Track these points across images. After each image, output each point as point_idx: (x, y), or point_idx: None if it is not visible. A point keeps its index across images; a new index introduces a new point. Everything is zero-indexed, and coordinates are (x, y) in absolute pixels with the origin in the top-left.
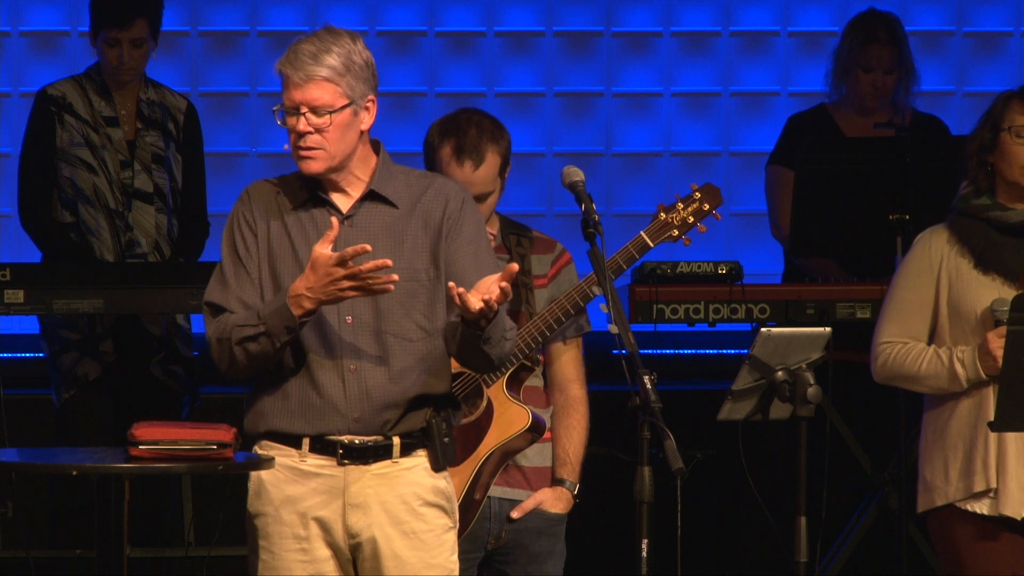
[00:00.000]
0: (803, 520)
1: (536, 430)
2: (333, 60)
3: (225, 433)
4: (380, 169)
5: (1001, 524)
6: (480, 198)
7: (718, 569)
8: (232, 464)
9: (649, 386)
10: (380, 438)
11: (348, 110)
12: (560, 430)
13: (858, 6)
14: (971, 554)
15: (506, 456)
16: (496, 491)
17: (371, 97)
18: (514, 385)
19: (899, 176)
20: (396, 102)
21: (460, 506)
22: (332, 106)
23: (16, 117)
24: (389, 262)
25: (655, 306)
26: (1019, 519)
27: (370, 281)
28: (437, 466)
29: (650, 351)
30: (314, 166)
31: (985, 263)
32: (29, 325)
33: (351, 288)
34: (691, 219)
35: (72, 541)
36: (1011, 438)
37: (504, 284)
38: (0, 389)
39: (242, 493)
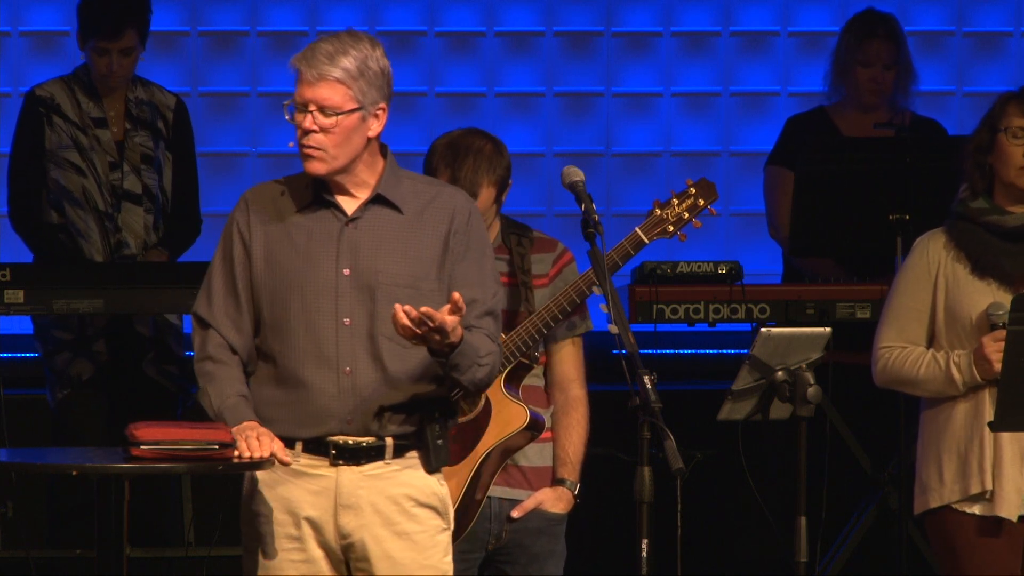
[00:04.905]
0: (803, 520)
1: (534, 428)
2: (348, 63)
3: (225, 433)
4: (387, 174)
5: (996, 525)
6: None
7: (718, 569)
8: (232, 464)
9: (649, 386)
10: (373, 439)
11: (356, 115)
12: (560, 430)
13: (858, 6)
14: (967, 555)
15: (505, 454)
16: (496, 491)
17: (382, 105)
18: (513, 383)
19: (899, 176)
20: (396, 102)
21: (460, 505)
22: (340, 108)
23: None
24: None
25: (655, 306)
26: (1015, 520)
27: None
28: (429, 468)
29: (650, 351)
30: (316, 166)
31: (981, 268)
32: (28, 325)
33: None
34: (686, 215)
35: (72, 541)
36: (1006, 440)
37: (452, 317)
38: (0, 389)
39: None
